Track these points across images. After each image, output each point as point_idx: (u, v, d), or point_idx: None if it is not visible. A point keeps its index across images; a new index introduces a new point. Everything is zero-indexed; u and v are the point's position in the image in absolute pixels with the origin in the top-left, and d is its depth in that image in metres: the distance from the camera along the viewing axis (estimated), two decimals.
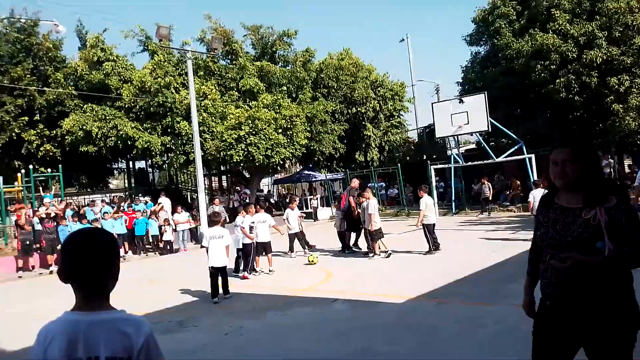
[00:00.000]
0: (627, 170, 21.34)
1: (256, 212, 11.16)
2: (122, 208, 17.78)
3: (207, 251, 8.50)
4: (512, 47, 21.55)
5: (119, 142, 20.35)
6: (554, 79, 20.12)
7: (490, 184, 20.62)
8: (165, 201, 18.73)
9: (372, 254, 11.44)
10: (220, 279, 8.36)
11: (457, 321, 6.05)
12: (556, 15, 20.30)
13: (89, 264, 1.68)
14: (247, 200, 22.62)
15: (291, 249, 13.04)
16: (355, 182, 13.37)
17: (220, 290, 8.31)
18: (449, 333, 5.65)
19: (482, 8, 24.92)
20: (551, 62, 20.04)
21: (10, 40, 21.45)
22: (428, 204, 11.53)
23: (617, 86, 18.66)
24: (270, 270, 10.59)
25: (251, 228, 10.56)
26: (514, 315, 5.11)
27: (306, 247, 13.23)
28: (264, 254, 10.76)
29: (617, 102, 18.76)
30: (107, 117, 20.49)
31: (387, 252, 11.40)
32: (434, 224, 11.43)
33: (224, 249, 8.42)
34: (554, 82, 20.02)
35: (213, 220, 8.93)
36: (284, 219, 13.22)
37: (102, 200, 19.92)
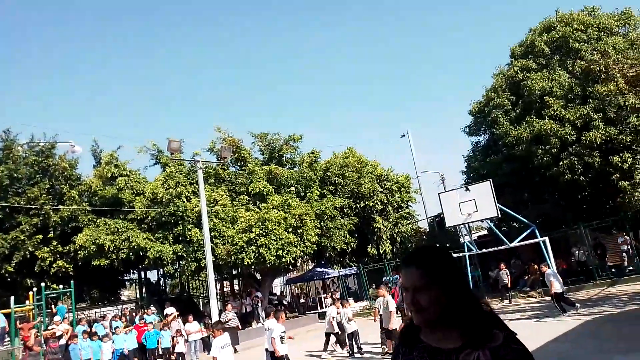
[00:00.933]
0: None
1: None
2: (134, 321, 17.39)
3: None
4: (511, 134, 22.13)
5: (130, 253, 20.41)
6: (556, 162, 20.43)
7: (507, 270, 20.13)
8: (172, 311, 18.38)
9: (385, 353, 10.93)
10: None
11: None
12: (550, 102, 21.07)
13: None
14: (260, 304, 22.08)
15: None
16: None
17: None
18: None
19: (477, 101, 26.06)
20: (552, 146, 20.46)
21: (28, 163, 22.33)
22: None
23: (620, 164, 18.85)
24: None
25: (282, 338, 9.85)
26: None
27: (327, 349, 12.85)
28: None
29: (622, 179, 18.86)
30: (120, 230, 20.72)
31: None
32: None
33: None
34: (557, 165, 20.31)
35: (222, 329, 8.75)
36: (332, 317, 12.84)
37: (116, 316, 19.55)
